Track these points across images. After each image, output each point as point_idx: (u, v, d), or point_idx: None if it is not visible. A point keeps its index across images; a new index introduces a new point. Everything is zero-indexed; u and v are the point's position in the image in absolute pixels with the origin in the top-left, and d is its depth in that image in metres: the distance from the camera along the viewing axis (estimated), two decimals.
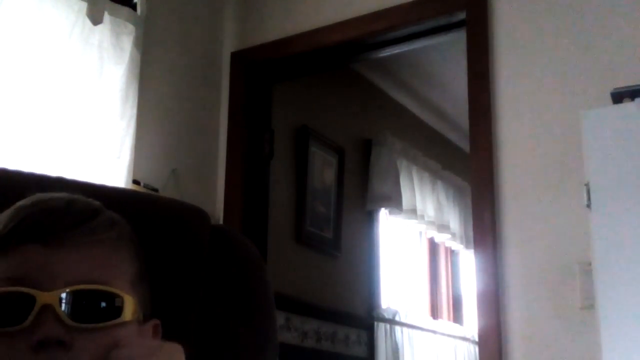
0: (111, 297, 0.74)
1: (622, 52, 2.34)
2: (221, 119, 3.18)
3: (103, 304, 0.73)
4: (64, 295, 0.71)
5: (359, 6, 2.93)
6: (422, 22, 2.85)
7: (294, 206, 3.85)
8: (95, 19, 2.51)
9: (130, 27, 2.65)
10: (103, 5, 2.55)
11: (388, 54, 3.21)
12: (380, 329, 4.29)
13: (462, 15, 2.72)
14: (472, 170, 2.60)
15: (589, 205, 1.85)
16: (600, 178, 1.85)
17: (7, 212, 0.77)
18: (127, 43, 2.62)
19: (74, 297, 0.72)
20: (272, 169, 3.33)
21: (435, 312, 5.15)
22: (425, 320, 4.89)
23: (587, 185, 1.86)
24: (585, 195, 1.86)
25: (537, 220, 2.40)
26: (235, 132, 3.15)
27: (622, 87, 1.98)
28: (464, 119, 2.87)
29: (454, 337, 5.08)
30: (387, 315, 4.36)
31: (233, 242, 1.02)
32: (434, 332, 4.86)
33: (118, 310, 0.73)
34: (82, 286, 0.72)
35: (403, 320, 4.51)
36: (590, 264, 1.89)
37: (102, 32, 2.54)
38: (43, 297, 0.70)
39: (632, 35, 2.35)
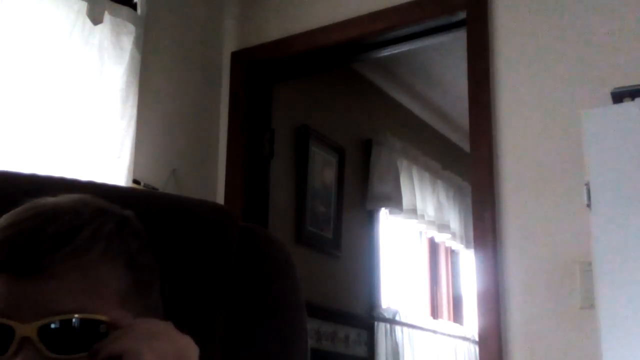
0: (95, 324, 0.70)
1: (622, 52, 2.34)
2: (221, 119, 3.18)
3: (86, 333, 0.70)
4: (41, 326, 0.69)
5: (359, 6, 2.93)
6: (422, 22, 2.85)
7: (294, 206, 3.85)
8: (96, 19, 2.51)
9: (131, 27, 2.65)
10: (103, 5, 2.55)
11: (388, 53, 3.21)
12: (381, 328, 4.29)
13: (462, 15, 2.72)
14: (472, 170, 2.60)
15: (589, 205, 1.85)
16: (600, 178, 1.85)
17: None
18: (127, 43, 2.62)
19: (55, 328, 0.69)
20: (272, 169, 3.33)
21: (435, 312, 5.15)
22: (426, 320, 4.88)
23: (587, 185, 1.86)
24: (585, 195, 1.86)
25: (537, 220, 2.40)
26: (235, 132, 3.15)
27: (622, 87, 1.99)
28: (464, 119, 2.87)
29: (454, 336, 5.08)
30: (387, 315, 4.36)
31: (262, 242, 1.00)
32: (434, 331, 4.86)
33: (104, 337, 0.70)
34: (60, 317, 0.69)
35: (403, 320, 4.51)
36: (590, 264, 1.89)
37: (102, 32, 2.54)
38: (22, 330, 0.68)
39: (632, 35, 2.35)
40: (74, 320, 0.70)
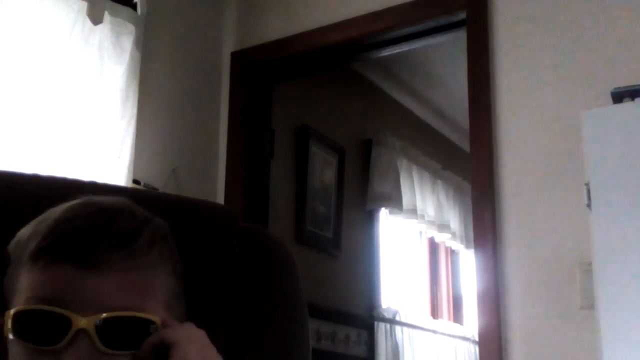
0: (146, 324, 0.73)
1: (622, 52, 2.34)
2: (221, 118, 3.18)
3: (137, 331, 0.73)
4: (99, 321, 0.71)
5: (359, 6, 2.93)
6: (422, 22, 2.85)
7: (294, 206, 3.85)
8: (96, 19, 2.51)
9: (131, 27, 2.65)
10: (103, 5, 2.55)
11: (388, 53, 3.21)
12: (381, 328, 4.29)
13: (462, 15, 2.72)
14: (472, 170, 2.60)
15: (589, 205, 1.85)
16: (600, 178, 1.85)
17: (47, 222, 0.75)
18: (128, 43, 2.62)
19: (109, 323, 0.71)
20: (272, 169, 3.33)
21: (435, 312, 5.15)
22: (426, 320, 4.88)
23: (587, 185, 1.86)
24: (585, 195, 1.86)
25: (537, 220, 2.40)
26: (235, 131, 3.15)
27: (623, 87, 1.98)
28: (464, 119, 2.87)
29: (454, 336, 5.08)
30: (387, 315, 4.36)
31: (263, 243, 1.00)
32: (434, 331, 4.86)
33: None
34: (117, 313, 0.72)
35: (403, 320, 4.51)
36: (590, 264, 1.89)
37: (103, 32, 2.54)
38: (79, 322, 0.70)
39: (632, 35, 2.35)
40: (130, 317, 0.72)
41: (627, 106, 1.93)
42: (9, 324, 0.72)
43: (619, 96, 1.97)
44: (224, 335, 0.92)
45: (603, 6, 2.42)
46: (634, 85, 1.97)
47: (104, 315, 0.71)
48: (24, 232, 0.77)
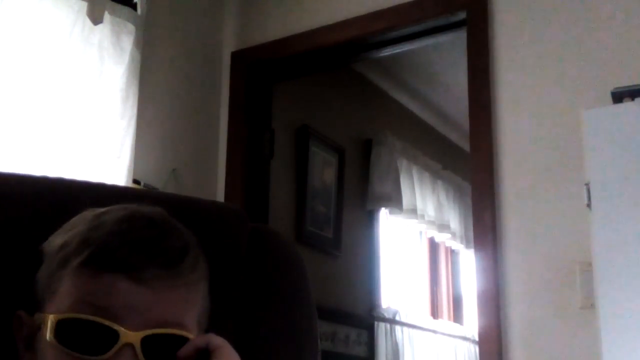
0: (185, 340, 0.75)
1: (622, 52, 2.34)
2: (221, 118, 3.18)
3: (177, 347, 0.75)
4: (144, 336, 0.72)
5: (359, 6, 2.93)
6: (422, 22, 2.85)
7: (294, 206, 3.85)
8: (96, 19, 2.50)
9: (131, 27, 2.65)
10: (103, 4, 2.55)
11: (388, 53, 3.21)
12: (381, 328, 4.29)
13: (462, 15, 2.72)
14: (472, 170, 2.60)
15: (589, 205, 1.85)
16: (600, 178, 1.85)
17: (100, 232, 0.76)
18: (128, 43, 2.62)
19: (154, 338, 0.73)
20: (272, 169, 3.33)
21: (435, 312, 5.15)
22: (426, 320, 4.88)
23: (587, 185, 1.86)
24: (585, 195, 1.86)
25: (537, 220, 2.40)
26: (235, 131, 3.15)
27: (623, 87, 1.98)
28: (464, 119, 2.87)
29: (454, 336, 5.08)
30: (387, 315, 4.36)
31: (272, 243, 1.00)
32: (434, 331, 4.86)
33: None
34: (163, 330, 0.74)
35: (403, 319, 4.51)
36: (590, 264, 1.89)
37: (102, 32, 2.54)
38: (127, 336, 0.72)
39: (633, 35, 2.35)
40: (172, 334, 0.74)
41: (627, 106, 1.93)
42: (48, 326, 0.73)
43: (619, 96, 1.97)
44: (233, 335, 0.91)
45: (603, 6, 2.42)
46: (634, 85, 1.97)
47: (150, 331, 0.73)
48: (70, 236, 0.78)
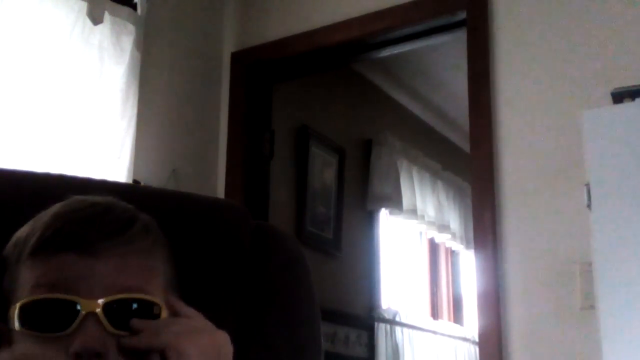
0: (149, 305, 0.75)
1: (623, 52, 2.34)
2: (221, 119, 3.18)
3: (142, 312, 0.74)
4: (106, 303, 0.72)
5: (359, 6, 2.93)
6: (422, 22, 2.85)
7: (294, 206, 3.85)
8: (96, 19, 2.51)
9: (131, 27, 2.65)
10: (103, 5, 2.55)
11: (388, 54, 3.21)
12: (381, 329, 4.29)
13: (462, 15, 2.72)
14: (472, 170, 2.60)
15: (589, 206, 1.85)
16: (600, 178, 1.85)
17: (44, 219, 0.77)
18: (128, 43, 2.62)
19: (115, 305, 0.73)
20: (272, 169, 3.33)
21: (435, 313, 5.15)
22: (426, 320, 4.88)
23: (587, 185, 1.86)
24: (585, 195, 1.86)
25: (537, 221, 2.40)
26: (235, 132, 3.15)
27: (623, 87, 1.98)
28: (464, 119, 2.86)
29: (454, 337, 5.08)
30: (387, 316, 4.36)
31: (275, 240, 1.00)
32: (434, 332, 4.86)
33: (155, 318, 0.75)
34: (123, 295, 0.73)
35: (403, 320, 4.51)
36: (590, 264, 1.89)
37: (103, 32, 2.54)
38: (87, 305, 0.72)
39: (633, 35, 2.34)
40: (134, 298, 0.74)
41: (627, 106, 1.93)
42: (15, 317, 0.73)
43: (619, 96, 1.97)
44: (234, 333, 0.91)
45: (603, 6, 2.42)
46: (634, 86, 1.97)
47: (110, 297, 0.72)
48: (20, 232, 0.79)
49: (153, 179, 2.76)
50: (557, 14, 2.51)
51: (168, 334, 0.72)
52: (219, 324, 0.77)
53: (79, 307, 0.71)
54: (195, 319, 0.76)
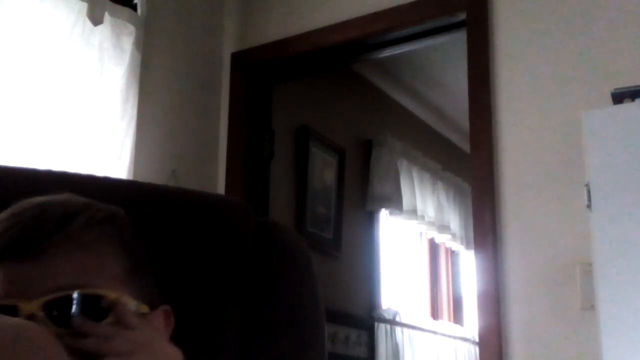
0: (95, 299, 0.73)
1: (623, 53, 2.34)
2: (221, 119, 3.18)
3: (89, 308, 0.72)
4: (44, 303, 0.70)
5: (359, 6, 2.93)
6: (422, 23, 2.85)
7: (294, 206, 3.85)
8: (96, 20, 2.51)
9: (131, 28, 2.65)
10: (103, 5, 2.55)
11: (388, 54, 3.21)
12: (381, 329, 4.29)
13: (462, 16, 2.72)
14: (472, 170, 2.60)
15: (589, 206, 1.85)
16: (600, 178, 1.85)
17: None
18: (128, 44, 2.62)
19: (58, 304, 0.71)
20: (272, 170, 3.33)
21: (435, 313, 5.15)
22: (426, 320, 4.88)
23: (587, 185, 1.86)
24: (585, 195, 1.86)
25: (537, 221, 2.40)
26: (235, 132, 3.15)
27: (623, 88, 1.98)
28: (464, 119, 2.87)
29: (455, 337, 5.08)
30: (387, 316, 4.36)
31: (279, 237, 0.99)
32: (434, 332, 4.86)
33: (105, 311, 0.73)
34: (62, 293, 0.71)
35: (403, 320, 4.51)
36: (590, 265, 1.89)
37: (103, 33, 2.54)
38: (27, 307, 0.70)
39: (633, 36, 2.35)
40: (75, 295, 0.72)
41: (627, 107, 1.93)
42: None
43: (619, 97, 1.97)
44: (239, 330, 0.91)
45: (603, 7, 2.42)
46: (634, 86, 1.97)
47: (49, 296, 0.71)
48: None
49: (153, 180, 2.76)
50: (557, 15, 2.51)
51: (120, 341, 0.70)
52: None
53: (19, 310, 0.70)
54: (144, 333, 0.74)
